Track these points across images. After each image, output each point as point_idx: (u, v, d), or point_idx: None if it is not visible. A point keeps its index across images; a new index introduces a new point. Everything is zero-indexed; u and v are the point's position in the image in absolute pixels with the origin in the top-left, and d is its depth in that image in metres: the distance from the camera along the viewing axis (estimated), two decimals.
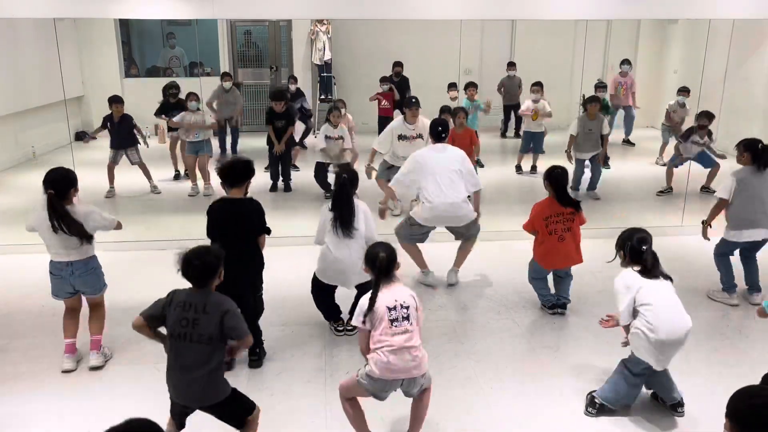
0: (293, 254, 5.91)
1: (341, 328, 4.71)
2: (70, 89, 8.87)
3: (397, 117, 7.56)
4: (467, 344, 4.57)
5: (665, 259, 5.34)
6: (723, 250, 5.23)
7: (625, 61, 10.15)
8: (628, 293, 3.57)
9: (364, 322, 3.21)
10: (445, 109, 7.63)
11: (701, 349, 4.45)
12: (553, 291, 5.09)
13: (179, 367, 2.99)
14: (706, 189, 8.16)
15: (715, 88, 7.58)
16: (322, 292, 4.70)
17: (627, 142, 10.74)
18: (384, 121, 8.70)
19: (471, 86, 8.91)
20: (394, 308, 3.17)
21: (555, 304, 5.02)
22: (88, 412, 3.76)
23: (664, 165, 8.74)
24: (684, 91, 9.03)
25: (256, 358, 4.29)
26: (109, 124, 7.91)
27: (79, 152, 7.79)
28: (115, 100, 7.88)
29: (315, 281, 4.68)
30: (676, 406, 3.72)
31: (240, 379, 4.10)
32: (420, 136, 6.88)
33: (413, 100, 7.02)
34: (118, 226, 4.29)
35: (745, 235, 5.06)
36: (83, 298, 4.28)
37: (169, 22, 11.46)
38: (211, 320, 2.96)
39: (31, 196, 6.40)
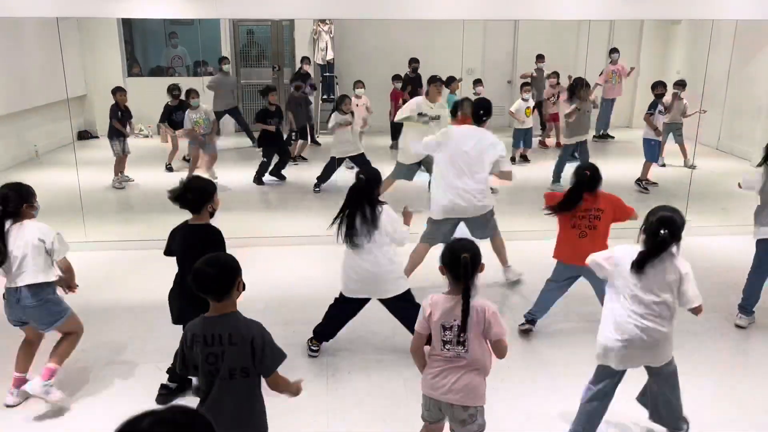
0: (295, 254, 5.91)
1: (316, 348, 4.35)
2: (73, 88, 8.86)
3: (418, 98, 7.50)
4: None
5: None
6: None
7: (614, 50, 10.36)
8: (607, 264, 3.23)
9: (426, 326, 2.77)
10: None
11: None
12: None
13: (214, 406, 2.54)
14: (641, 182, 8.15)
15: (718, 88, 7.58)
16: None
17: (607, 135, 10.75)
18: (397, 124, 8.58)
19: (453, 81, 8.84)
20: (450, 328, 2.68)
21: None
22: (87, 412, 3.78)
23: (663, 166, 8.79)
24: (679, 84, 8.87)
25: (165, 392, 3.76)
26: (120, 114, 7.92)
27: (82, 151, 7.82)
28: (120, 90, 8.02)
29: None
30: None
31: None
32: (438, 117, 6.91)
33: (437, 77, 7.08)
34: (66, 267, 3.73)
35: None
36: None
37: (172, 22, 11.49)
38: (240, 351, 2.51)
39: None
